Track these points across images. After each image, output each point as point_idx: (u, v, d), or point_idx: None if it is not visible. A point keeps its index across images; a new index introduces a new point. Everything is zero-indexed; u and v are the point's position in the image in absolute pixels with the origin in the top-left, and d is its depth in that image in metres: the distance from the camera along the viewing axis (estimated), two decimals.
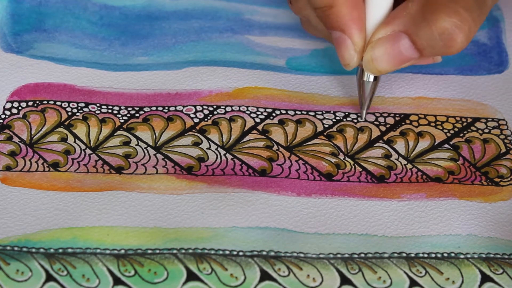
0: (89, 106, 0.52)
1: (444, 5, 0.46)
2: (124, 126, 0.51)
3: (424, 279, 0.44)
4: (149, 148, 0.50)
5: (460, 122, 0.52)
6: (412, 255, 0.45)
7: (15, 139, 0.50)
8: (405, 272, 0.45)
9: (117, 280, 0.44)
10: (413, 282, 0.44)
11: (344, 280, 0.44)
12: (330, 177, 0.49)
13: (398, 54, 0.47)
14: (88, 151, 0.50)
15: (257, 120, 0.51)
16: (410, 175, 0.49)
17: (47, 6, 0.57)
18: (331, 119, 0.52)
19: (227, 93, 0.53)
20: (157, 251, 0.45)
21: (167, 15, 0.58)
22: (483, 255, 0.45)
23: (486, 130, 0.52)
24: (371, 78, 0.50)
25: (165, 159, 0.49)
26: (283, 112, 0.52)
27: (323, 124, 0.51)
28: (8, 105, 0.51)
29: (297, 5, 0.51)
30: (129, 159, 0.49)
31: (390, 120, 0.52)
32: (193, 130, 0.51)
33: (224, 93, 0.52)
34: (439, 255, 0.45)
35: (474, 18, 0.46)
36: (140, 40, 0.56)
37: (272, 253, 0.45)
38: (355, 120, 0.52)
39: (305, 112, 0.52)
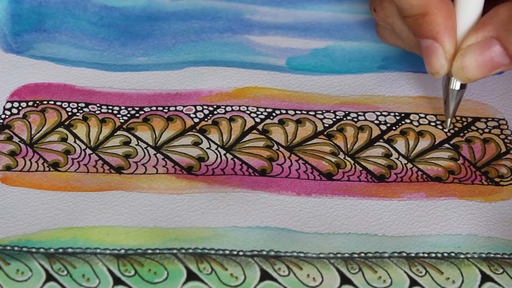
0: (89, 106, 0.52)
1: None
2: (124, 126, 0.51)
3: (424, 278, 0.44)
4: (149, 148, 0.50)
5: (460, 121, 0.52)
6: (412, 254, 0.45)
7: (15, 139, 0.50)
8: (405, 272, 0.45)
9: (117, 280, 0.44)
10: (413, 282, 0.44)
11: (344, 279, 0.44)
12: (330, 177, 0.49)
13: (489, 61, 0.47)
14: (88, 151, 0.50)
15: (257, 120, 0.51)
16: (410, 175, 0.49)
17: (47, 7, 0.57)
18: (331, 119, 0.52)
19: (227, 93, 0.53)
20: (157, 251, 0.45)
21: (167, 16, 0.58)
22: (483, 255, 0.45)
23: (486, 130, 0.52)
24: (458, 86, 0.49)
25: (165, 159, 0.49)
26: (283, 111, 0.52)
27: (323, 123, 0.51)
28: (8, 105, 0.51)
29: (383, 12, 0.51)
30: (129, 159, 0.49)
31: (391, 119, 0.52)
32: (193, 130, 0.51)
33: (224, 93, 0.53)
34: (439, 255, 0.45)
35: None
36: (140, 40, 0.56)
37: (272, 253, 0.45)
38: (355, 119, 0.52)
39: (305, 112, 0.52)
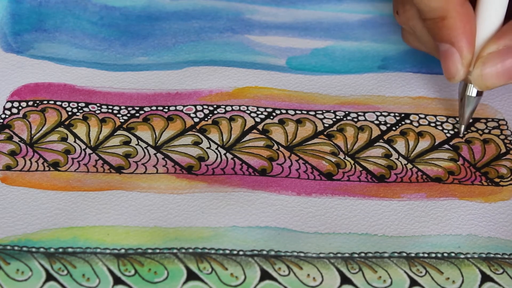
0: (89, 106, 0.52)
1: None
2: (124, 126, 0.51)
3: (424, 278, 0.44)
4: (149, 148, 0.50)
5: None
6: (412, 254, 0.45)
7: (15, 138, 0.50)
8: (405, 272, 0.45)
9: (117, 280, 0.44)
10: (413, 282, 0.44)
11: (344, 279, 0.44)
12: (330, 177, 0.49)
13: (509, 70, 0.46)
14: (88, 151, 0.50)
15: (257, 119, 0.51)
16: (410, 175, 0.49)
17: (47, 6, 0.57)
18: (331, 119, 0.52)
19: (227, 92, 0.53)
20: (157, 251, 0.45)
21: (167, 16, 0.58)
22: (483, 255, 0.45)
23: (486, 131, 0.52)
24: (474, 93, 0.49)
25: (165, 159, 0.49)
26: (283, 111, 0.52)
27: (323, 123, 0.51)
28: (8, 105, 0.51)
29: (405, 15, 0.51)
30: (129, 159, 0.49)
31: (391, 120, 0.52)
32: (193, 130, 0.51)
33: (224, 93, 0.53)
34: (439, 255, 0.45)
35: None
36: (140, 40, 0.56)
37: (272, 253, 0.45)
38: (355, 119, 0.52)
39: (305, 112, 0.52)
